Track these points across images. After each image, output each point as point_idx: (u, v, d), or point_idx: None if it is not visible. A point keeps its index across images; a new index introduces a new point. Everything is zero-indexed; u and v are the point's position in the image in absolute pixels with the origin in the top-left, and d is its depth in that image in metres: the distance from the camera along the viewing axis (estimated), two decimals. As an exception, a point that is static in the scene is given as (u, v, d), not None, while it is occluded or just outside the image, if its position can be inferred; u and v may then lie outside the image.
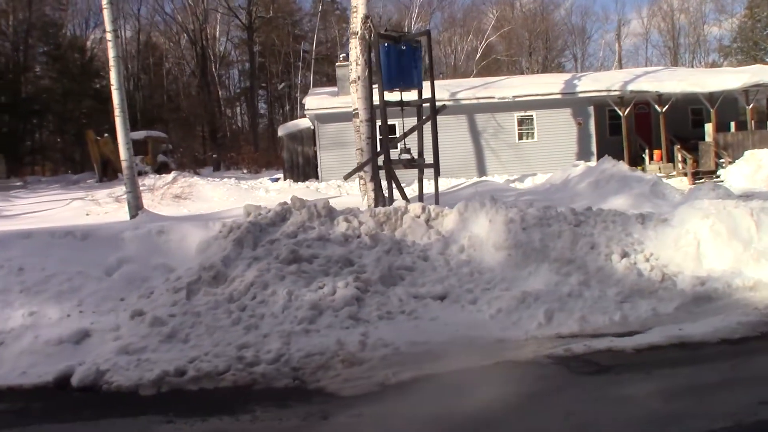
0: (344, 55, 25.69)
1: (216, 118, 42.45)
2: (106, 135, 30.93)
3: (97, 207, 20.03)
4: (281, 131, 28.06)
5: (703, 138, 25.96)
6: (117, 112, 14.88)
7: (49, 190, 27.96)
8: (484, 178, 21.56)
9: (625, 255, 7.97)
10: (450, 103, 23.88)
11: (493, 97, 23.97)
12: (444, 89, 24.83)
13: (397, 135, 16.87)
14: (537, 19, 54.21)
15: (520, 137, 24.69)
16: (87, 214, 19.01)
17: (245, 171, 36.22)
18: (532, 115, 24.50)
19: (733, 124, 25.86)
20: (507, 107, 24.25)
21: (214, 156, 38.51)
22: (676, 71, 29.23)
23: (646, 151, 26.81)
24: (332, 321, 6.65)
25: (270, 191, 20.22)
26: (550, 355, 5.82)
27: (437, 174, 13.63)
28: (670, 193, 13.53)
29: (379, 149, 15.33)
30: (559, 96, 24.29)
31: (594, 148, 24.76)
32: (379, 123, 14.93)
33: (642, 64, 52.32)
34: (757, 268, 7.88)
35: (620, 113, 24.99)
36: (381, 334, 6.42)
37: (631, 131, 28.05)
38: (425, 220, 8.91)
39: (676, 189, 15.13)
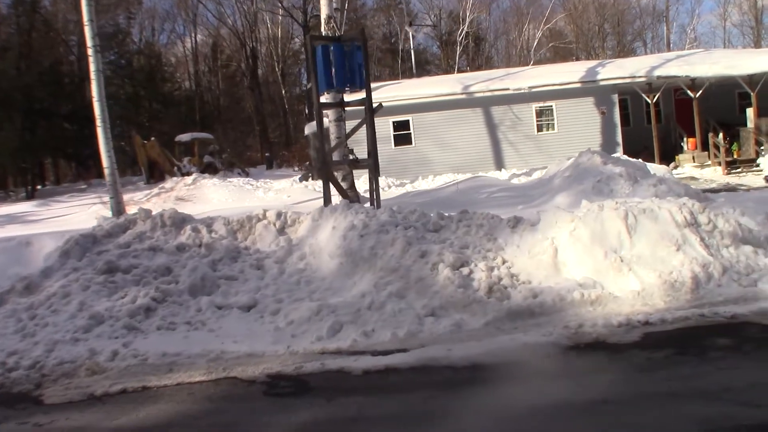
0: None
1: (265, 118, 43.15)
2: (152, 138, 32.09)
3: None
4: (307, 129, 28.09)
5: (746, 124, 24.19)
6: (98, 122, 15.21)
7: (100, 193, 29.19)
8: (480, 173, 20.85)
9: (464, 264, 7.43)
10: (463, 96, 23.35)
11: (508, 89, 23.10)
12: (458, 82, 24.29)
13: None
14: (608, 3, 52.00)
15: (539, 129, 23.69)
16: (95, 218, 19.66)
17: (296, 168, 36.60)
18: (551, 106, 23.46)
19: (778, 108, 23.91)
20: (524, 98, 23.31)
21: (267, 155, 39.16)
22: (713, 53, 27.29)
23: (685, 139, 25.26)
24: (106, 331, 6.58)
25: (270, 192, 20.30)
26: (273, 374, 5.53)
27: (376, 174, 13.21)
28: (622, 189, 12.59)
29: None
30: (579, 85, 23.11)
31: (619, 139, 23.48)
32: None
33: (719, 45, 49.31)
34: (617, 278, 7.14)
35: (648, 100, 23.57)
36: (141, 344, 6.36)
37: (671, 119, 26.52)
38: (281, 226, 8.67)
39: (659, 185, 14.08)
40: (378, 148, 23.03)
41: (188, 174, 29.52)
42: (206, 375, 5.63)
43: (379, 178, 21.35)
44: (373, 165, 13.11)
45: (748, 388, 4.45)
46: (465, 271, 7.29)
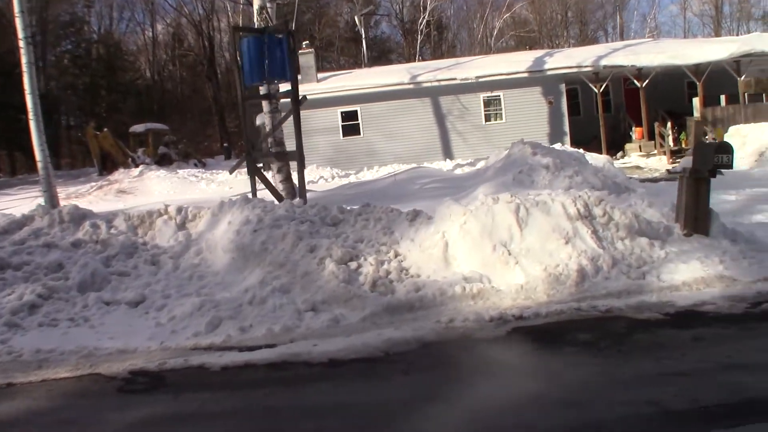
0: (306, 42, 25.43)
1: (223, 108, 42.83)
2: (105, 129, 31.75)
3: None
4: (258, 120, 27.95)
5: (694, 113, 24.47)
6: (31, 116, 14.96)
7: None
8: (425, 164, 20.86)
9: (353, 259, 7.43)
10: (411, 86, 23.35)
11: (455, 79, 23.14)
12: (406, 72, 24.28)
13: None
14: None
15: (487, 119, 23.78)
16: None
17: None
18: (499, 96, 23.54)
19: (723, 97, 24.20)
20: (472, 88, 23.37)
21: (225, 145, 38.89)
22: (660, 43, 27.55)
23: (633, 129, 25.51)
24: (-16, 328, 6.51)
25: (212, 184, 20.19)
26: (136, 370, 5.52)
27: (301, 167, 13.16)
28: (543, 180, 12.65)
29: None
30: (526, 75, 23.22)
31: (567, 128, 23.64)
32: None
33: (680, 35, 49.73)
34: (505, 271, 7.17)
35: (595, 90, 23.75)
36: (18, 341, 6.34)
37: (621, 108, 26.76)
38: (182, 221, 8.63)
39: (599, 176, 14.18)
40: (326, 139, 23.21)
41: (143, 165, 29.32)
42: (72, 371, 5.61)
43: (326, 169, 21.45)
44: (298, 157, 13.04)
45: (581, 387, 4.48)
46: (353, 265, 7.29)
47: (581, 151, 19.32)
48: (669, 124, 25.17)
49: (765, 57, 24.31)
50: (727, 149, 7.96)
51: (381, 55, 49.17)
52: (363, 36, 34.51)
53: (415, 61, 42.01)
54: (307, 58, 24.30)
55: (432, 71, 24.03)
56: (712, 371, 4.54)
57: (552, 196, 8.08)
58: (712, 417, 3.88)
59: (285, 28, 12.83)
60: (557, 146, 17.93)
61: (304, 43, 25.83)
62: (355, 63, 47.39)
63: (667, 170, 7.92)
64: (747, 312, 5.92)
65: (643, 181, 18.18)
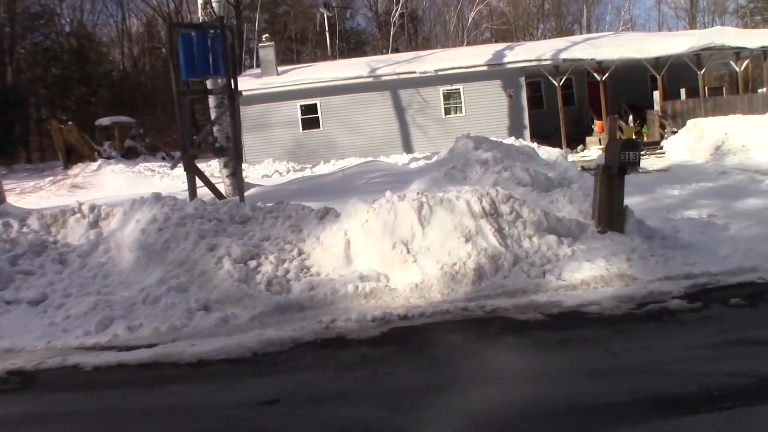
0: (267, 36, 25.37)
1: (192, 100, 42.46)
2: (69, 123, 31.53)
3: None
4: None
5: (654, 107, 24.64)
6: None
7: (10, 180, 28.65)
8: (381, 157, 20.90)
9: (254, 257, 7.44)
10: (371, 79, 23.36)
11: (415, 72, 23.17)
12: (366, 65, 24.28)
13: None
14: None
15: (447, 112, 23.84)
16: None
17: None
18: (459, 89, 23.60)
19: (683, 90, 24.37)
20: (431, 82, 23.42)
21: (194, 137, 38.58)
22: (622, 36, 27.68)
23: (594, 122, 25.65)
24: None
25: (166, 178, 20.15)
26: (14, 370, 5.52)
27: (238, 162, 13.19)
28: (476, 175, 12.73)
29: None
30: (485, 68, 23.28)
31: (527, 122, 23.74)
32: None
33: (654, 28, 49.89)
34: (403, 270, 7.23)
35: (555, 83, 23.84)
36: None
37: (584, 102, 26.87)
38: (94, 220, 8.63)
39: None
40: (286, 132, 23.17)
41: (109, 158, 29.20)
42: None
43: (282, 162, 21.45)
44: (234, 153, 13.06)
45: (397, 392, 4.52)
46: (253, 264, 7.32)
47: (534, 145, 19.39)
48: (631, 117, 25.36)
49: (725, 51, 24.49)
50: (633, 146, 8.02)
51: (356, 47, 49.07)
52: (326, 28, 34.39)
53: (388, 53, 42.01)
54: (266, 51, 24.27)
55: (392, 65, 24.06)
56: (542, 379, 4.55)
57: (459, 193, 8.11)
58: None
59: (221, 23, 12.78)
60: (511, 140, 18.01)
61: (264, 36, 25.77)
62: (332, 55, 47.33)
63: (582, 167, 7.93)
64: (629, 313, 5.96)
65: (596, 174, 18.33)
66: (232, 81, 13.26)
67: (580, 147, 24.69)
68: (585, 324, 5.77)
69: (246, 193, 16.15)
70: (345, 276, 7.21)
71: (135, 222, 8.08)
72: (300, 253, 7.69)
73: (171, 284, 6.99)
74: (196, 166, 13.19)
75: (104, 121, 32.89)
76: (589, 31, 44.41)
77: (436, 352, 5.34)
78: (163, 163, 25.07)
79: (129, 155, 31.11)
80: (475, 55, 24.15)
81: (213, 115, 16.20)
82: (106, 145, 31.86)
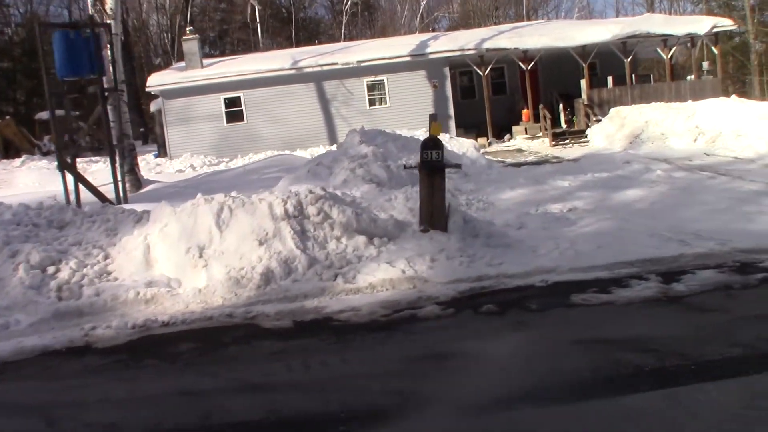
0: (191, 28, 25.17)
1: (138, 91, 42.22)
2: (7, 117, 31.26)
3: None
4: (153, 107, 27.78)
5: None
6: None
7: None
8: (297, 151, 20.85)
9: (54, 263, 7.33)
10: (294, 71, 23.23)
11: (337, 63, 23.06)
12: (290, 57, 24.14)
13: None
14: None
15: (372, 103, 23.78)
16: None
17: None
18: (383, 80, 23.52)
19: (610, 78, 24.40)
20: (356, 73, 23.34)
21: (142, 130, 38.43)
22: (549, 25, 27.65)
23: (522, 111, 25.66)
24: None
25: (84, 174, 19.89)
26: None
27: (113, 162, 13.06)
28: (340, 174, 12.62)
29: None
30: (408, 58, 23.19)
31: (452, 112, 23.69)
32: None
33: (612, 15, 49.85)
34: (195, 275, 7.22)
35: (480, 72, 23.78)
36: None
37: (516, 91, 26.84)
38: None
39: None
40: (210, 126, 23.01)
41: (48, 153, 28.93)
42: None
43: (199, 157, 21.31)
44: (110, 153, 12.98)
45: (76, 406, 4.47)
46: (51, 270, 7.25)
47: (447, 136, 19.37)
48: (561, 106, 25.37)
49: (652, 38, 24.52)
50: (435, 145, 7.91)
51: (313, 36, 48.79)
52: (257, 19, 34.11)
53: (341, 41, 41.82)
54: (190, 44, 24.09)
55: (315, 56, 23.93)
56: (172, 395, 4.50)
57: (264, 196, 8.07)
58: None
59: (92, 22, 12.74)
60: (416, 133, 17.94)
61: (188, 29, 25.58)
62: (288, 44, 47.08)
63: (403, 165, 7.86)
64: (375, 320, 5.85)
65: (507, 165, 18.31)
66: (104, 79, 13.23)
67: (507, 136, 24.71)
68: (320, 332, 5.66)
69: (142, 191, 16.08)
70: (138, 281, 7.19)
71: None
72: (106, 258, 7.64)
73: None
74: (71, 166, 13.05)
75: (44, 114, 32.53)
76: (528, 19, 44.22)
77: (152, 363, 5.29)
78: (98, 159, 24.80)
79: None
80: (399, 46, 24.05)
81: (110, 114, 16.03)
82: (46, 140, 31.57)
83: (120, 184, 13.48)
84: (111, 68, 14.66)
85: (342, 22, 43.54)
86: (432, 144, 7.90)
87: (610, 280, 6.43)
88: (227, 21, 44.24)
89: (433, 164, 7.86)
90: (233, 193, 8.16)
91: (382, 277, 7.05)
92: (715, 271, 6.47)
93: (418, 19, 45.30)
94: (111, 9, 16.17)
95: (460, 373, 4.43)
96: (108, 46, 16.04)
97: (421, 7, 45.26)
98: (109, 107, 16.30)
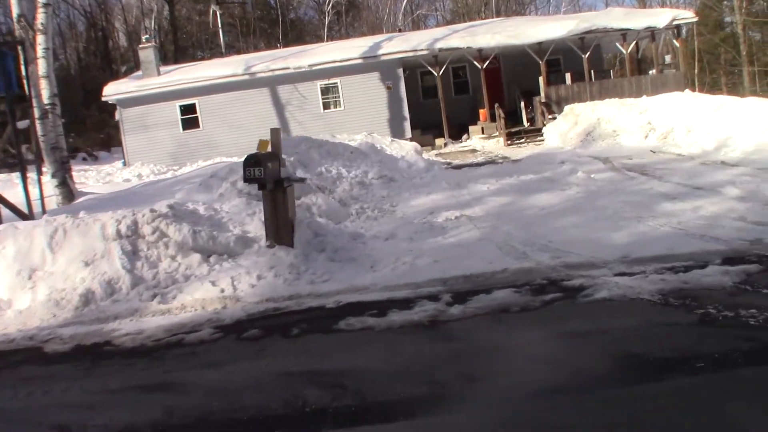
0: (147, 36, 25.36)
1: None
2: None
3: None
4: (118, 115, 27.97)
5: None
6: None
7: None
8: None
9: None
10: (247, 77, 23.33)
11: (289, 68, 23.13)
12: (243, 63, 24.25)
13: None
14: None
15: (326, 107, 23.81)
16: None
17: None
18: (336, 83, 23.54)
19: (568, 75, 24.23)
20: (309, 77, 23.38)
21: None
22: (505, 22, 27.46)
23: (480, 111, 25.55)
24: None
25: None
26: None
27: (24, 177, 13.28)
28: (222, 187, 12.55)
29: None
30: (361, 61, 23.20)
31: (407, 113, 23.66)
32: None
33: (602, 6, 49.43)
34: (23, 296, 7.36)
35: (435, 73, 23.74)
36: None
37: (478, 90, 26.74)
38: None
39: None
40: (167, 133, 23.17)
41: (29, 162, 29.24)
42: None
43: (149, 165, 21.48)
44: (21, 168, 13.20)
45: None
46: None
47: (387, 140, 19.35)
48: (522, 104, 25.24)
49: (610, 33, 24.30)
50: (256, 162, 7.85)
51: (299, 38, 48.90)
52: (219, 25, 34.27)
53: (324, 41, 41.88)
54: (146, 53, 24.29)
55: (268, 61, 24.00)
56: None
57: (102, 216, 8.16)
58: None
59: (6, 43, 13.00)
60: (371, 136, 17.94)
61: (144, 37, 25.76)
62: (276, 47, 47.21)
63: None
64: (141, 345, 5.76)
65: (450, 167, 18.21)
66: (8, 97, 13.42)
67: (465, 136, 24.63)
68: (83, 358, 5.61)
69: (73, 203, 16.27)
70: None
71: None
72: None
73: None
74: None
75: (22, 124, 32.89)
76: (498, 15, 43.95)
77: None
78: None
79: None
80: (351, 48, 24.06)
81: (40, 128, 16.35)
82: (24, 148, 31.88)
83: (39, 197, 13.66)
84: (32, 84, 14.84)
85: (325, 23, 43.52)
86: (253, 161, 7.82)
87: (402, 301, 6.14)
88: (203, 27, 44.52)
89: (259, 180, 7.88)
90: (123, 210, 8.25)
91: (197, 297, 7.07)
92: (513, 291, 6.02)
93: (400, 16, 45.18)
94: (42, 24, 16.33)
95: (146, 406, 4.44)
96: (37, 61, 16.32)
97: (402, 6, 45.16)
98: (38, 122, 16.62)
